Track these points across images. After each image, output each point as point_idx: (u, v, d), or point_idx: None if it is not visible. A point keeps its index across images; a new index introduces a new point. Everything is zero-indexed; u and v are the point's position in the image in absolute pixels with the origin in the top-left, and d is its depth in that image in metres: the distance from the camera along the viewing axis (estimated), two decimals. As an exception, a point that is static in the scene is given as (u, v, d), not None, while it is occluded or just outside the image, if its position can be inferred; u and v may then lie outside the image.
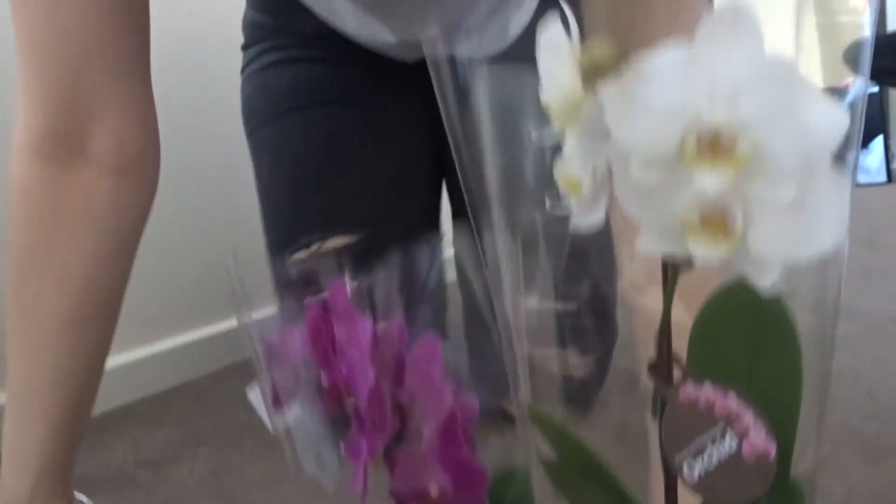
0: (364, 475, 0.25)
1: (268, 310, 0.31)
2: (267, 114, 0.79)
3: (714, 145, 0.24)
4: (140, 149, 0.58)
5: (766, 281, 0.25)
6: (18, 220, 0.54)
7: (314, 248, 0.78)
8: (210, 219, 1.05)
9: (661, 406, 0.29)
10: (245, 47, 0.85)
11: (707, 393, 0.29)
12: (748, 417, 0.28)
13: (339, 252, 0.75)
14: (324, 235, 0.76)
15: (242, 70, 0.85)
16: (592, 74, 0.24)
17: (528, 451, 0.30)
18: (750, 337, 0.30)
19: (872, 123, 2.11)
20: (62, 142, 0.53)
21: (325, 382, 0.25)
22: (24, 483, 0.52)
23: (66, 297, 0.54)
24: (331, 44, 0.78)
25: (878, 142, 2.14)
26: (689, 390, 0.29)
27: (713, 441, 0.28)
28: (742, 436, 0.28)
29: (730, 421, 0.28)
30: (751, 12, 0.24)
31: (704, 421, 0.28)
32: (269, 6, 0.81)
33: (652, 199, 0.26)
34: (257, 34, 0.82)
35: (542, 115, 0.28)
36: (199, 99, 1.03)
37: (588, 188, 0.29)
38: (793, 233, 0.25)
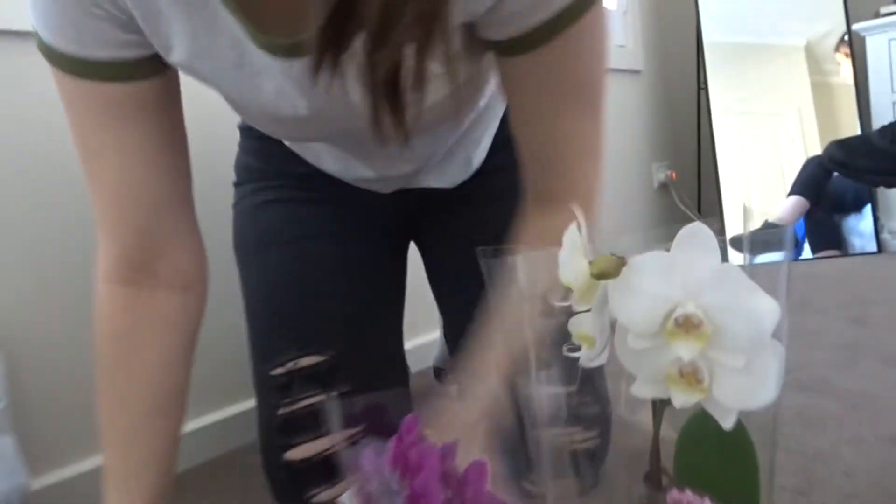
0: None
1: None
2: (254, 246, 0.91)
3: (686, 325, 0.34)
4: (196, 267, 0.71)
5: (727, 423, 0.34)
6: (104, 335, 0.66)
7: (290, 365, 0.88)
8: (220, 313, 1.14)
9: (653, 507, 0.38)
10: (237, 185, 0.97)
11: (688, 497, 0.38)
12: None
13: (311, 369, 0.85)
14: (299, 355, 0.88)
15: (235, 205, 0.96)
16: (600, 276, 0.34)
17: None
18: (719, 453, 0.40)
19: (862, 193, 2.22)
20: (137, 270, 0.66)
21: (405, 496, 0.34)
22: None
23: (151, 392, 0.64)
24: (317, 184, 0.91)
25: (868, 210, 2.24)
26: (674, 495, 0.38)
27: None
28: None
29: (704, 520, 0.37)
30: (708, 232, 0.35)
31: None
32: (261, 154, 0.93)
33: (643, 359, 0.36)
34: (249, 175, 0.95)
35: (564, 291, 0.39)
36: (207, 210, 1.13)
37: (598, 342, 0.39)
38: (745, 388, 0.34)
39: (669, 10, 2.46)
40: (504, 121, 0.92)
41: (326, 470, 0.82)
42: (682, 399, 0.35)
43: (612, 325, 0.38)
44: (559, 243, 0.62)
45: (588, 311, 0.39)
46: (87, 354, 0.83)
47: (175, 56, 0.60)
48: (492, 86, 0.80)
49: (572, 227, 0.39)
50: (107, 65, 0.59)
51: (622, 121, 2.23)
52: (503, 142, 0.89)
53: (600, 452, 0.81)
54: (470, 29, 0.60)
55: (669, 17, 2.46)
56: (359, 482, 0.37)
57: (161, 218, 0.66)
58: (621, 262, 0.35)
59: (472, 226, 0.92)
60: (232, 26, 0.57)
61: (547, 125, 0.65)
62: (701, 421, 0.40)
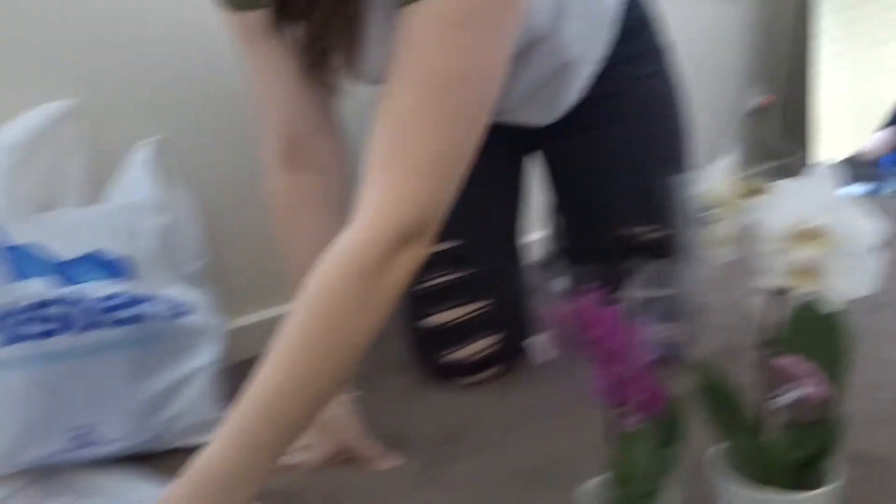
0: (604, 387, 0.49)
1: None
2: None
3: (811, 234, 0.47)
4: (334, 158, 0.85)
5: (835, 306, 0.48)
6: (277, 207, 0.83)
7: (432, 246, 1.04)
8: None
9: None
10: None
11: (792, 361, 0.52)
12: (816, 377, 0.51)
13: (443, 253, 1.00)
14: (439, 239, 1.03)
15: None
16: (749, 194, 0.47)
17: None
18: (821, 331, 0.53)
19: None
20: (291, 160, 0.83)
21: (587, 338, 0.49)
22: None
23: (313, 247, 0.71)
24: None
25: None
26: (784, 359, 0.52)
27: (793, 388, 0.51)
28: (810, 386, 0.51)
29: (806, 377, 0.51)
30: (830, 172, 0.47)
31: (789, 377, 0.52)
32: None
33: (773, 258, 0.49)
34: None
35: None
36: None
37: (727, 243, 0.52)
38: (850, 283, 0.47)
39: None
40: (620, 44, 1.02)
41: (457, 335, 0.99)
42: (802, 288, 0.48)
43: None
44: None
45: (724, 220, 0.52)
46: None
47: None
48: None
49: (718, 164, 0.52)
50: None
51: (718, 41, 2.24)
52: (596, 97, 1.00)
53: (688, 345, 0.96)
54: None
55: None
56: (550, 328, 0.52)
57: (308, 121, 0.82)
58: (763, 186, 0.48)
59: (594, 144, 1.04)
60: None
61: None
62: (807, 306, 0.53)
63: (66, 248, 0.84)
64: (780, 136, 2.63)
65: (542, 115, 1.02)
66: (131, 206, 0.90)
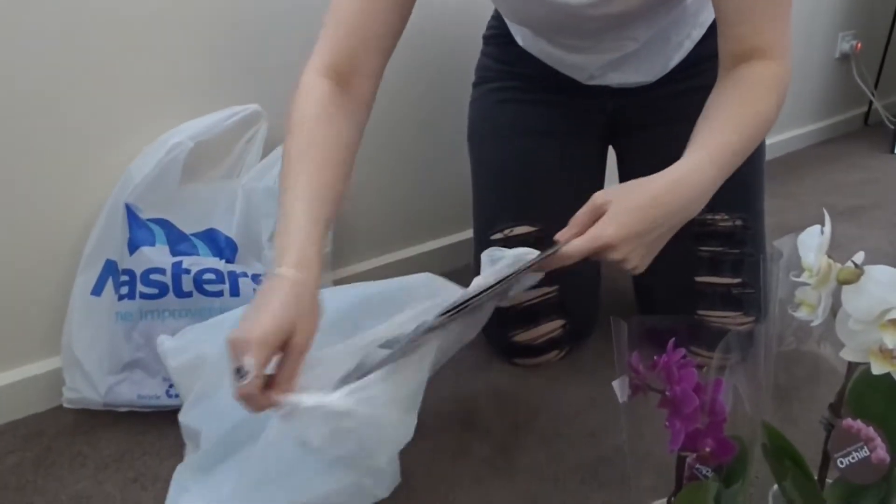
0: (679, 438, 0.54)
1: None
2: (487, 135, 1.12)
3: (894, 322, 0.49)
4: (372, 92, 0.85)
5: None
6: (307, 113, 0.78)
7: (506, 231, 1.07)
8: (443, 160, 1.34)
9: (831, 427, 0.55)
10: (476, 84, 1.16)
11: (857, 424, 0.55)
12: (878, 440, 0.54)
13: (523, 237, 1.04)
14: (514, 224, 1.06)
15: (472, 102, 1.15)
16: (843, 282, 0.49)
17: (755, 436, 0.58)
18: (884, 396, 0.56)
19: None
20: (339, 75, 0.82)
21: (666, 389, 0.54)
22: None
23: (341, 151, 0.78)
24: (539, 87, 1.08)
25: None
26: (848, 422, 0.55)
27: (857, 450, 0.55)
28: (873, 449, 0.54)
29: (867, 440, 0.54)
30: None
31: (853, 438, 0.55)
32: (498, 58, 1.12)
33: (856, 336, 0.51)
34: (486, 75, 1.14)
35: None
36: (442, 72, 1.30)
37: (819, 311, 0.54)
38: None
39: None
40: (706, 38, 1.01)
41: (527, 317, 1.04)
42: (879, 368, 0.51)
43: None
44: (757, 86, 0.78)
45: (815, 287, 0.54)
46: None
47: None
48: None
49: (815, 229, 0.53)
50: None
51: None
52: (703, 56, 0.99)
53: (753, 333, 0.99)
54: None
55: None
56: (628, 367, 0.56)
57: (367, 47, 0.83)
58: (859, 273, 0.49)
59: (665, 140, 1.04)
60: None
61: None
62: (873, 379, 0.56)
63: (190, 224, 0.94)
64: (867, 83, 2.50)
65: (647, 70, 1.03)
66: (255, 191, 0.97)
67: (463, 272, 1.20)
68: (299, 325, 0.63)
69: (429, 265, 1.34)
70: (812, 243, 0.53)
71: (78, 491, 0.82)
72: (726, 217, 1.00)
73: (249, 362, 0.60)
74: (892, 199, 1.80)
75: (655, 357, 0.56)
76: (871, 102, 2.54)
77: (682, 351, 0.55)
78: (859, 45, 2.36)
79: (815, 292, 0.54)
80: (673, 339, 0.57)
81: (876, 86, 2.51)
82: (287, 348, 0.63)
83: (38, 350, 0.96)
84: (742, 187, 1.02)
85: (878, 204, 1.76)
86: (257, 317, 0.62)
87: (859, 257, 0.53)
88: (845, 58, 2.37)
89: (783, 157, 2.19)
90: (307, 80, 0.81)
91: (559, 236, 0.73)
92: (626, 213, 0.70)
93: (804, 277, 0.55)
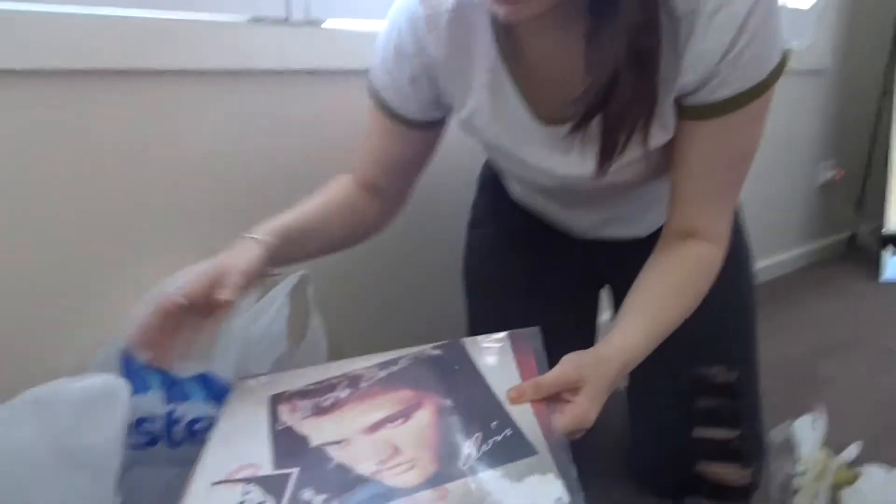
0: None
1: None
2: (478, 288, 1.16)
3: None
4: (402, 203, 1.03)
5: None
6: (333, 182, 0.96)
7: None
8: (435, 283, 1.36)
9: None
10: (471, 226, 1.21)
11: None
12: None
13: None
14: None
15: (467, 244, 1.19)
16: (838, 485, 0.50)
17: None
18: None
19: None
20: (365, 186, 0.97)
21: None
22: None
23: (323, 220, 0.92)
24: (534, 237, 1.13)
25: None
26: None
27: None
28: None
29: None
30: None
31: None
32: (494, 205, 1.18)
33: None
34: (480, 220, 1.20)
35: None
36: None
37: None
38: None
39: (865, 7, 2.36)
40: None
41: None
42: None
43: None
44: (697, 268, 0.83)
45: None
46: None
47: (464, 113, 0.90)
48: None
49: (806, 420, 0.54)
50: (403, 117, 0.93)
51: (794, 117, 2.21)
52: None
53: (754, 486, 0.98)
54: (676, 101, 0.79)
55: (864, 14, 2.36)
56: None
57: (397, 172, 0.99)
58: (856, 475, 0.50)
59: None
60: (515, 103, 0.86)
61: (704, 177, 0.83)
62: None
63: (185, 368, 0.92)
64: (852, 209, 2.58)
65: (646, 226, 1.07)
66: (252, 334, 0.98)
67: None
68: (231, 262, 0.75)
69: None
70: (806, 435, 0.54)
71: None
72: (723, 370, 1.01)
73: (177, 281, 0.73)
74: (875, 333, 1.82)
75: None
76: (855, 229, 2.61)
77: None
78: (841, 172, 2.45)
79: (812, 485, 0.54)
80: None
81: (861, 210, 2.59)
82: (218, 284, 0.73)
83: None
84: (739, 338, 1.03)
85: (862, 338, 1.79)
86: None
87: (851, 453, 0.53)
88: (827, 186, 2.45)
89: (770, 282, 2.23)
90: (339, 178, 0.98)
91: (515, 394, 0.71)
92: (601, 391, 0.71)
93: (799, 468, 0.55)
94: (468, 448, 0.61)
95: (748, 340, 1.05)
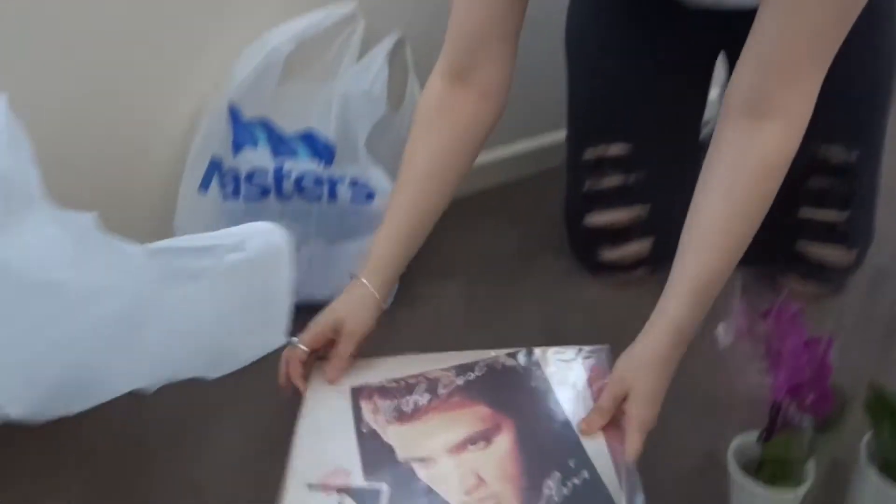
0: (781, 390, 0.54)
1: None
2: (581, 48, 1.06)
3: None
4: (498, 86, 0.86)
5: None
6: (424, 108, 0.85)
7: (599, 150, 1.03)
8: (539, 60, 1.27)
9: None
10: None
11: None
12: None
13: (615, 156, 1.00)
14: (608, 143, 1.02)
15: (571, 5, 1.07)
16: None
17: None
18: None
19: None
20: (456, 74, 0.84)
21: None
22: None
23: (437, 160, 0.83)
24: (645, 8, 1.01)
25: None
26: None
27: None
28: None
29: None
30: None
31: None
32: None
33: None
34: None
35: None
36: None
37: None
38: None
39: None
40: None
41: (613, 236, 1.04)
42: None
43: None
44: (755, 176, 0.69)
45: None
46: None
47: None
48: None
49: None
50: None
51: None
52: None
53: (856, 266, 0.97)
54: None
55: None
56: (735, 320, 0.56)
57: (484, 45, 0.83)
58: None
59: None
60: None
61: (790, 20, 0.66)
62: None
63: (288, 124, 0.95)
64: None
65: None
66: (353, 94, 0.97)
67: (554, 173, 1.17)
68: (349, 317, 0.77)
69: (524, 165, 1.33)
70: None
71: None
72: (843, 150, 0.95)
73: (299, 336, 0.76)
74: None
75: (765, 307, 0.56)
76: None
77: (796, 307, 0.55)
78: None
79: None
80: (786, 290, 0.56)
81: None
82: (338, 335, 0.76)
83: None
84: (865, 114, 0.95)
85: None
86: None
87: None
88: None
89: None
90: (428, 84, 0.86)
91: (586, 426, 0.70)
92: (653, 390, 0.69)
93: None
94: (548, 489, 0.64)
95: (877, 117, 0.97)
